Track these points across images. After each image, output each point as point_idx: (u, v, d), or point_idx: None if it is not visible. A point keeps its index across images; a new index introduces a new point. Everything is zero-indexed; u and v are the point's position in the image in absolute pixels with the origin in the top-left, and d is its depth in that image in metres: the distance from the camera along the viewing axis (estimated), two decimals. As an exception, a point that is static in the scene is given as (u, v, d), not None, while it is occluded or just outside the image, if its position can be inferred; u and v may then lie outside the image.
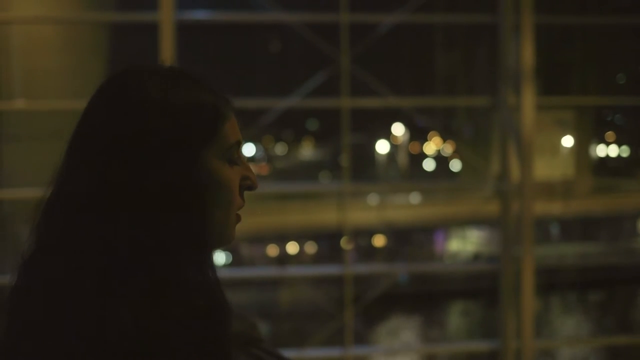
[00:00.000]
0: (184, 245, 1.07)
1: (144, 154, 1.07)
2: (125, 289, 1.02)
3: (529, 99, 6.20)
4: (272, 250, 26.62)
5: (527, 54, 6.20)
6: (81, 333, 1.00)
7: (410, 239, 27.34)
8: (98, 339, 1.00)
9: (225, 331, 1.08)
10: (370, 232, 25.76)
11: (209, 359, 1.03)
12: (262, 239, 25.43)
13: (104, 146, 1.08)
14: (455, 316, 23.33)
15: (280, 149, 45.29)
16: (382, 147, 37.35)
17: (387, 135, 37.60)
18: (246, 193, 1.21)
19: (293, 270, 10.65)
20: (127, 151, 1.07)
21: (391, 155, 38.08)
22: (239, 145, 1.18)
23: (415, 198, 26.67)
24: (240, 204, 1.19)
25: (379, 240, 26.71)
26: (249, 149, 38.57)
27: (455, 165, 36.33)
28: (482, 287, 19.47)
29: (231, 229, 1.19)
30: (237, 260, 25.17)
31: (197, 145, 1.11)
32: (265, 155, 42.51)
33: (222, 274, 1.11)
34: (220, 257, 25.07)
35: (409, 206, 26.16)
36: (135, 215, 1.06)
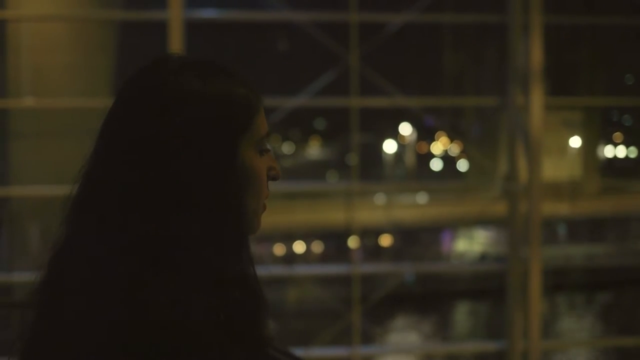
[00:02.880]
0: (223, 236, 1.10)
1: (185, 145, 1.09)
2: (163, 279, 1.03)
3: (537, 99, 6.19)
4: (279, 249, 26.62)
5: (536, 54, 6.19)
6: (118, 323, 1.02)
7: (417, 239, 27.30)
8: (134, 330, 1.01)
9: (260, 322, 1.10)
10: (377, 232, 25.74)
11: (243, 348, 1.05)
12: (269, 238, 25.42)
13: (144, 139, 1.09)
14: (462, 316, 23.30)
15: (287, 148, 45.34)
16: (390, 146, 37.35)
17: (395, 134, 37.60)
18: None
19: (300, 270, 10.66)
20: (167, 143, 1.08)
21: (398, 154, 38.08)
22: (267, 136, 1.21)
23: (422, 198, 26.66)
24: (267, 193, 1.21)
25: (385, 240, 26.69)
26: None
27: (463, 166, 36.31)
28: (489, 287, 19.44)
29: (259, 218, 1.21)
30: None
31: (234, 135, 1.13)
32: (273, 154, 42.45)
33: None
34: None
35: (416, 206, 26.14)
36: (176, 207, 1.07)
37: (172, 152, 1.08)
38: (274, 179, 1.23)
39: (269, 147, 1.22)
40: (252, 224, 1.19)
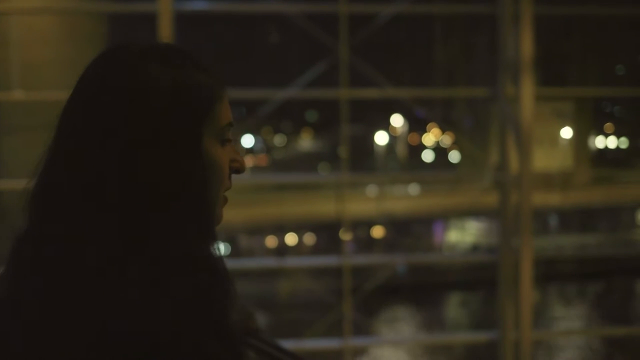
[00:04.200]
0: (189, 225, 1.08)
1: (146, 135, 1.07)
2: (130, 270, 1.01)
3: (528, 90, 6.20)
4: (271, 241, 26.64)
5: (527, 45, 6.19)
6: (87, 317, 1.00)
7: (409, 230, 27.36)
8: (101, 322, 0.99)
9: (229, 313, 1.07)
10: (369, 223, 25.78)
11: (213, 337, 1.03)
12: (261, 230, 25.44)
13: (104, 130, 1.07)
14: (454, 307, 23.36)
15: (279, 140, 45.30)
16: (381, 138, 37.35)
17: (386, 126, 37.59)
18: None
19: (292, 261, 10.66)
20: (128, 134, 1.06)
21: (390, 146, 38.09)
22: (230, 126, 1.18)
23: (414, 189, 26.68)
24: (228, 185, 1.18)
25: (377, 232, 26.73)
26: (248, 140, 38.57)
27: (454, 157, 36.32)
28: (480, 278, 19.48)
29: (220, 209, 1.18)
30: (235, 251, 25.18)
31: (196, 124, 1.11)
32: (264, 146, 42.52)
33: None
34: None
35: (408, 197, 26.16)
36: (140, 199, 1.05)
37: (133, 143, 1.06)
38: (237, 171, 1.19)
39: (231, 138, 1.18)
40: (217, 215, 1.16)
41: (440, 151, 40.17)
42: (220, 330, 1.04)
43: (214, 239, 1.12)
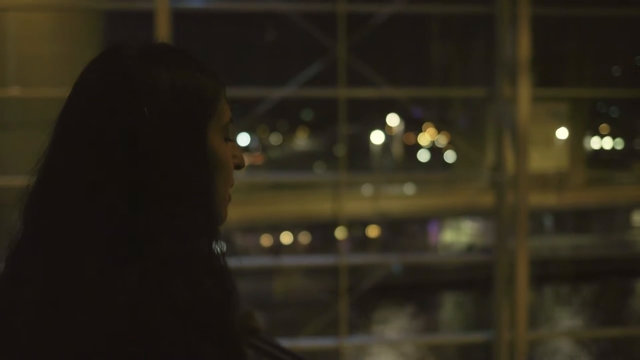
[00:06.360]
0: (196, 225, 1.08)
1: (154, 137, 1.06)
2: (129, 272, 1.00)
3: (524, 90, 6.20)
4: (266, 240, 26.61)
5: (523, 46, 6.20)
6: (87, 315, 0.99)
7: (404, 230, 27.34)
8: (102, 323, 0.98)
9: (230, 315, 1.07)
10: (365, 223, 25.75)
11: (212, 341, 1.02)
12: (256, 229, 25.40)
13: (110, 131, 1.06)
14: (449, 307, 23.36)
15: (274, 138, 45.31)
16: (377, 137, 37.36)
17: (382, 125, 37.60)
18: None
19: (287, 260, 10.64)
20: (136, 135, 1.06)
21: (386, 145, 38.10)
22: (230, 123, 1.18)
23: (409, 189, 26.71)
24: (232, 182, 1.19)
25: (373, 231, 26.71)
26: (243, 139, 38.56)
27: (450, 157, 36.37)
28: (476, 278, 19.49)
29: (226, 207, 1.19)
30: (230, 250, 25.14)
31: (202, 123, 1.11)
32: (260, 145, 42.53)
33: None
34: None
35: (404, 197, 26.19)
36: (148, 200, 1.05)
37: (142, 144, 1.05)
38: (238, 167, 1.20)
39: (231, 135, 1.19)
40: (222, 213, 1.17)
41: (435, 151, 40.23)
42: (219, 334, 1.03)
43: (217, 238, 1.13)
